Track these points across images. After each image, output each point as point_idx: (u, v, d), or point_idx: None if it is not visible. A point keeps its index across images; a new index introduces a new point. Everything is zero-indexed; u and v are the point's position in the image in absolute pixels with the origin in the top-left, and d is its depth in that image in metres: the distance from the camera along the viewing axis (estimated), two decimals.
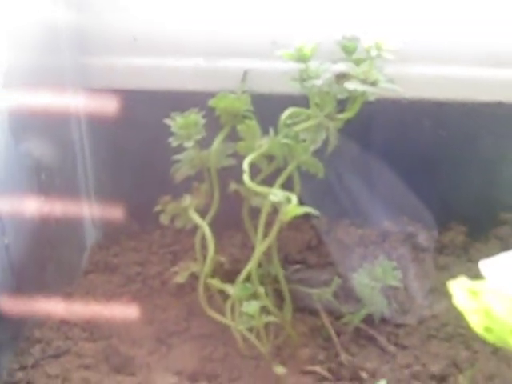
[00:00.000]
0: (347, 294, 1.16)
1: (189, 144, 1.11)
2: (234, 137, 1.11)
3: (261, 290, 1.08)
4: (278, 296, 1.14)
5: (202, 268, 1.13)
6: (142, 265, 1.29)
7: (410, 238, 1.26)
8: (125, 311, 1.19)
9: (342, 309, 1.16)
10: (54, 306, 1.18)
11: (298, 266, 1.24)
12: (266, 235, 1.06)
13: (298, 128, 1.07)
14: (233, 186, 1.12)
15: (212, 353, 1.13)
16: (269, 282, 1.14)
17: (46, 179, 1.18)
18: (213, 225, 1.12)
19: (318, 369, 1.10)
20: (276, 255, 1.13)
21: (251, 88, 1.18)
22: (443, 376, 1.08)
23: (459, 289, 0.67)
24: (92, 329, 1.17)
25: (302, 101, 1.08)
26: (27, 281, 1.14)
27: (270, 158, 1.10)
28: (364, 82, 1.04)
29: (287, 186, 1.07)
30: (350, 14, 1.15)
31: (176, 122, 1.10)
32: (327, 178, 1.13)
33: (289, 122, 1.08)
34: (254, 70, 1.20)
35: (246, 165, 1.05)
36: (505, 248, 0.72)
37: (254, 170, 1.07)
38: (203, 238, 1.12)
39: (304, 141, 1.07)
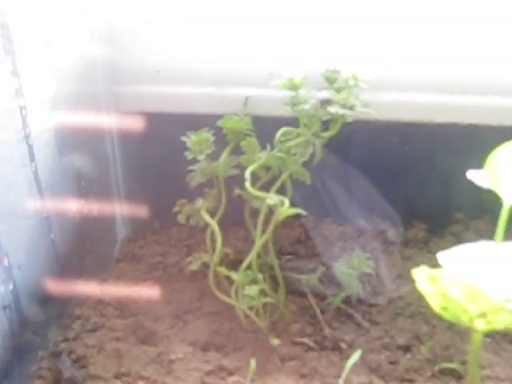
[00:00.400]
0: (330, 279, 1.16)
1: (201, 157, 1.12)
2: (237, 151, 1.12)
3: (259, 276, 1.08)
4: (274, 281, 1.14)
5: (212, 258, 1.13)
6: (162, 255, 1.29)
7: (381, 234, 1.26)
8: (149, 293, 1.20)
9: (325, 291, 1.17)
10: (91, 289, 1.19)
11: (289, 257, 1.24)
12: (263, 231, 1.07)
13: (289, 144, 1.07)
14: (237, 191, 1.13)
15: (219, 327, 1.14)
16: (266, 270, 1.14)
17: (85, 185, 1.18)
18: (220, 223, 1.12)
19: (306, 340, 1.10)
20: (272, 248, 1.13)
21: (252, 111, 1.18)
22: (408, 346, 1.08)
23: (421, 275, 0.68)
24: (122, 308, 1.17)
25: (293, 122, 1.09)
26: (70, 268, 1.15)
27: (267, 168, 1.10)
28: (343, 106, 1.05)
29: (281, 191, 1.07)
30: (332, 51, 1.16)
31: (190, 139, 1.11)
32: (313, 185, 1.14)
33: (282, 139, 1.08)
34: (254, 96, 1.21)
35: (247, 174, 1.06)
36: (458, 242, 0.72)
37: (254, 178, 1.07)
38: (212, 234, 1.12)
39: (295, 154, 1.07)
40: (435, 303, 0.71)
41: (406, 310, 1.16)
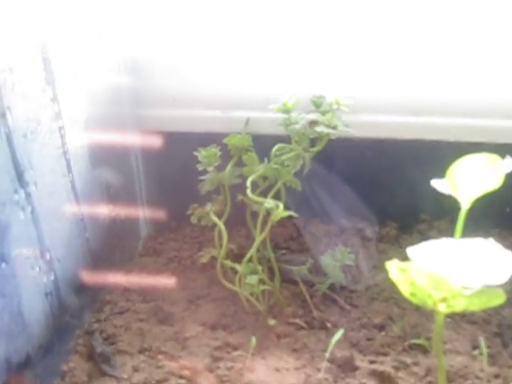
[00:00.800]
0: (317, 270, 1.16)
1: (210, 168, 1.12)
2: (240, 164, 1.12)
3: (259, 267, 1.08)
4: (271, 272, 1.14)
5: (219, 252, 1.13)
6: (178, 250, 1.29)
7: (360, 232, 1.26)
8: (167, 282, 1.20)
9: (313, 280, 1.16)
10: (119, 279, 1.19)
11: (284, 251, 1.24)
12: (262, 230, 1.06)
13: (283, 157, 1.08)
14: (240, 197, 1.12)
15: (226, 310, 1.13)
16: (264, 262, 1.14)
17: (113, 192, 1.18)
18: (226, 223, 1.12)
19: (297, 321, 1.10)
20: (269, 244, 1.13)
21: (252, 130, 1.18)
22: (382, 325, 1.08)
23: (393, 267, 0.68)
24: (145, 294, 1.17)
25: (286, 139, 1.09)
26: (101, 261, 1.15)
27: (264, 177, 1.10)
28: (328, 126, 1.05)
29: (276, 197, 1.07)
30: (318, 80, 1.16)
31: (201, 153, 1.11)
32: (303, 191, 1.14)
33: (277, 153, 1.08)
34: (254, 118, 1.20)
35: (248, 182, 1.06)
36: (424, 239, 0.72)
37: (254, 186, 1.07)
38: (220, 232, 1.12)
39: (288, 166, 1.07)
40: (405, 290, 0.71)
41: (381, 295, 1.16)
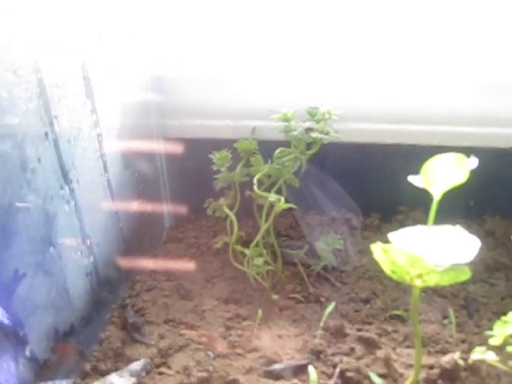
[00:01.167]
0: (313, 253, 1.16)
1: (223, 169, 1.12)
2: (248, 164, 1.12)
3: (264, 251, 1.09)
4: (274, 255, 1.13)
5: (231, 239, 1.14)
6: (196, 238, 1.29)
7: (347, 222, 1.26)
8: (187, 264, 1.20)
9: (310, 262, 1.16)
10: (147, 262, 1.19)
11: (284, 238, 1.24)
12: (266, 220, 1.07)
13: (284, 159, 1.08)
14: (248, 193, 1.13)
15: (236, 287, 1.14)
16: (268, 247, 1.13)
17: (142, 189, 1.19)
18: (236, 214, 1.13)
19: (296, 296, 1.10)
20: (272, 231, 1.13)
21: (257, 137, 1.19)
22: (368, 299, 1.09)
23: (376, 248, 0.69)
24: (169, 274, 1.18)
25: (286, 144, 1.10)
26: (132, 247, 1.16)
27: (268, 176, 1.11)
28: (321, 132, 1.06)
29: (278, 192, 1.08)
30: (313, 94, 1.16)
31: (215, 156, 1.12)
32: (301, 188, 1.14)
33: (279, 155, 1.09)
34: (259, 126, 1.21)
35: (255, 180, 1.07)
36: (402, 227, 0.73)
37: (260, 183, 1.08)
38: (231, 222, 1.13)
39: (288, 166, 1.08)
40: (386, 268, 0.71)
41: (366, 274, 1.16)
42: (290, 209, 1.07)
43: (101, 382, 0.89)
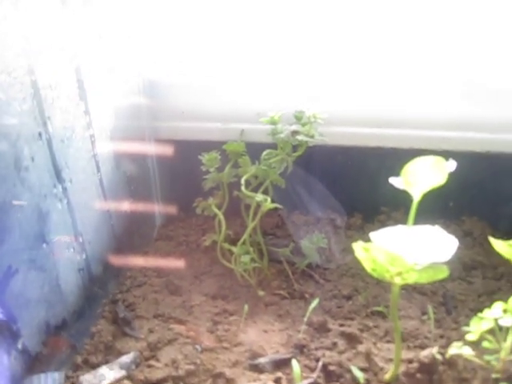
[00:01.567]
0: (298, 251, 1.16)
1: (211, 169, 1.12)
2: (236, 165, 1.12)
3: (251, 249, 1.09)
4: (260, 253, 1.13)
5: (219, 237, 1.13)
6: (186, 236, 1.28)
7: (332, 221, 1.25)
8: (176, 261, 1.19)
9: (295, 260, 1.16)
10: (138, 259, 1.18)
11: (271, 236, 1.24)
12: (253, 219, 1.07)
13: (271, 161, 1.07)
14: (235, 193, 1.13)
15: (224, 284, 1.13)
16: (255, 245, 1.13)
17: (134, 189, 1.18)
18: (225, 214, 1.12)
19: (282, 292, 1.10)
20: (259, 230, 1.13)
21: (245, 139, 1.18)
22: (350, 296, 1.08)
23: (358, 247, 0.69)
24: (158, 271, 1.17)
25: (273, 146, 1.09)
26: (123, 244, 1.15)
27: (255, 177, 1.10)
28: (307, 135, 1.05)
29: (265, 192, 1.08)
30: (299, 98, 1.16)
31: (204, 157, 1.11)
32: (287, 188, 1.14)
33: (266, 157, 1.08)
34: (247, 129, 1.20)
35: (243, 181, 1.06)
36: (383, 227, 0.73)
37: (247, 183, 1.07)
38: (219, 221, 1.12)
39: (274, 168, 1.07)
40: (367, 266, 0.71)
41: (349, 272, 1.16)
42: (276, 208, 1.06)
43: (92, 374, 0.88)
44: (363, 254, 0.69)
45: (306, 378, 0.86)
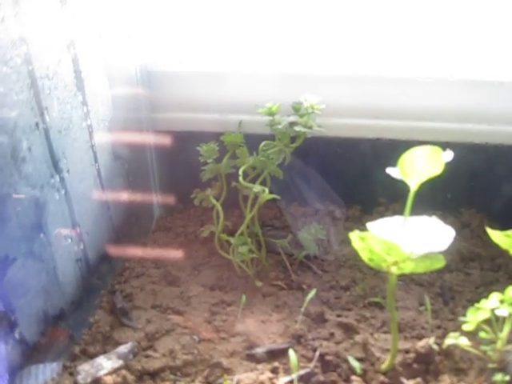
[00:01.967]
0: (296, 242, 1.16)
1: (209, 160, 1.11)
2: (234, 157, 1.12)
3: (248, 240, 1.09)
4: (258, 244, 1.13)
5: (217, 228, 1.13)
6: (184, 227, 1.29)
7: (330, 213, 1.25)
8: (175, 252, 1.19)
9: (293, 251, 1.16)
10: (136, 250, 1.18)
11: (269, 228, 1.23)
12: (251, 210, 1.07)
13: (269, 152, 1.08)
14: (233, 184, 1.13)
15: (222, 275, 1.13)
16: (253, 236, 1.13)
17: (132, 180, 1.18)
18: (222, 205, 1.12)
19: (279, 283, 1.10)
20: (257, 221, 1.13)
21: (244, 130, 1.18)
22: (347, 287, 1.08)
23: (354, 237, 0.69)
24: (157, 261, 1.17)
25: (271, 137, 1.09)
26: (122, 235, 1.15)
27: (253, 168, 1.11)
28: (305, 126, 1.05)
29: (263, 183, 1.07)
30: (297, 90, 1.15)
31: (203, 148, 1.11)
32: (285, 179, 1.14)
33: (264, 148, 1.08)
34: (245, 120, 1.20)
35: (241, 171, 1.06)
36: (381, 217, 0.73)
37: (245, 174, 1.08)
38: (217, 212, 1.12)
39: (272, 159, 1.07)
40: (364, 256, 0.71)
41: (347, 263, 1.16)
42: (275, 200, 1.06)
43: (89, 364, 0.88)
44: (360, 243, 0.69)
45: (302, 367, 0.86)
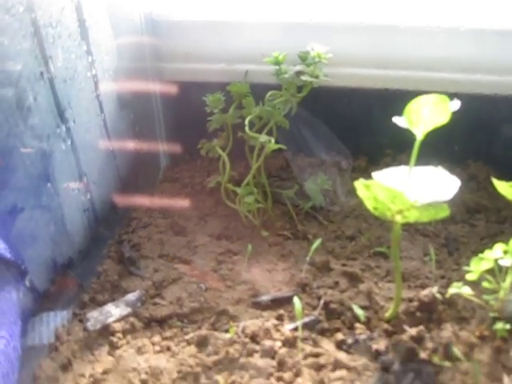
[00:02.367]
0: (302, 193, 1.16)
1: (216, 110, 1.11)
2: (240, 107, 1.11)
3: (255, 190, 1.09)
4: (264, 195, 1.13)
5: (223, 179, 1.13)
6: (191, 177, 1.29)
7: (337, 164, 1.25)
8: (182, 203, 1.20)
9: (299, 201, 1.16)
10: (143, 200, 1.18)
11: (275, 178, 1.23)
12: (257, 161, 1.07)
13: (275, 102, 1.06)
14: (240, 134, 1.12)
15: (228, 224, 1.14)
16: (259, 187, 1.13)
17: (138, 130, 1.17)
18: (229, 155, 1.11)
19: (285, 233, 1.11)
20: (263, 172, 1.13)
21: (250, 80, 1.17)
22: (353, 237, 1.09)
23: (359, 185, 0.69)
24: (164, 212, 1.17)
25: (277, 87, 1.08)
26: (129, 186, 1.15)
27: (260, 118, 1.10)
28: (311, 76, 1.04)
29: (269, 133, 1.07)
30: (304, 38, 1.14)
31: (209, 98, 1.10)
32: (291, 129, 1.13)
33: (270, 98, 1.07)
34: (252, 70, 1.19)
35: (247, 121, 1.06)
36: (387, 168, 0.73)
37: (251, 124, 1.07)
38: (224, 163, 1.12)
39: (278, 109, 1.06)
40: (369, 204, 0.71)
41: (352, 213, 1.16)
42: (281, 150, 1.06)
43: (98, 311, 0.90)
44: (365, 192, 0.69)
45: (307, 315, 0.87)
